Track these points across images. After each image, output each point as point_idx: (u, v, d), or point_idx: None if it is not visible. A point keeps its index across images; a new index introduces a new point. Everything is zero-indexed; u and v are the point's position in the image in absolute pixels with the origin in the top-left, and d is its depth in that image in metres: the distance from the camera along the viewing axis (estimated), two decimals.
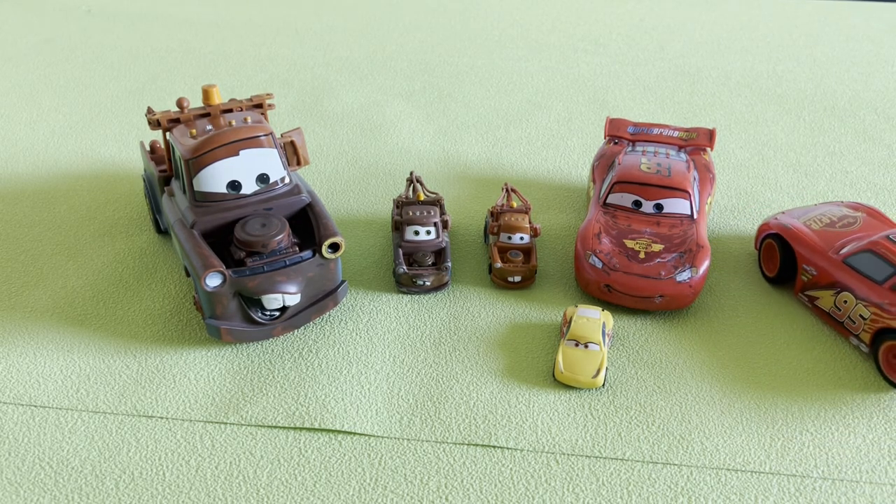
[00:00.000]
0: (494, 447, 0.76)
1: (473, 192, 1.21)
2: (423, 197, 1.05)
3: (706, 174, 1.08)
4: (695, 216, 0.99)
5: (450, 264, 0.96)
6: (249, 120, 0.89)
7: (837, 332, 0.90)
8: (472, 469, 0.73)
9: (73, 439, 0.76)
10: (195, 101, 1.56)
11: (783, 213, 1.02)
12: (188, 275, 0.90)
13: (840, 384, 0.83)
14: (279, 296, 0.83)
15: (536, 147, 1.37)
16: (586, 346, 0.84)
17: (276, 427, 0.78)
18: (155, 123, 0.90)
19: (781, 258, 0.96)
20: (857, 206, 1.01)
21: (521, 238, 1.00)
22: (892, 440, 0.76)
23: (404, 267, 0.95)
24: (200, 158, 0.85)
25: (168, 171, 0.96)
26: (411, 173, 1.10)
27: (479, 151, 1.35)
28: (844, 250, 0.90)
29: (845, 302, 0.88)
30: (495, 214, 1.04)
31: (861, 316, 0.86)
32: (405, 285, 0.96)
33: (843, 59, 1.84)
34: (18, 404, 0.80)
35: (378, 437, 0.77)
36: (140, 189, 1.20)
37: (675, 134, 1.16)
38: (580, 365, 0.82)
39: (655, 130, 1.17)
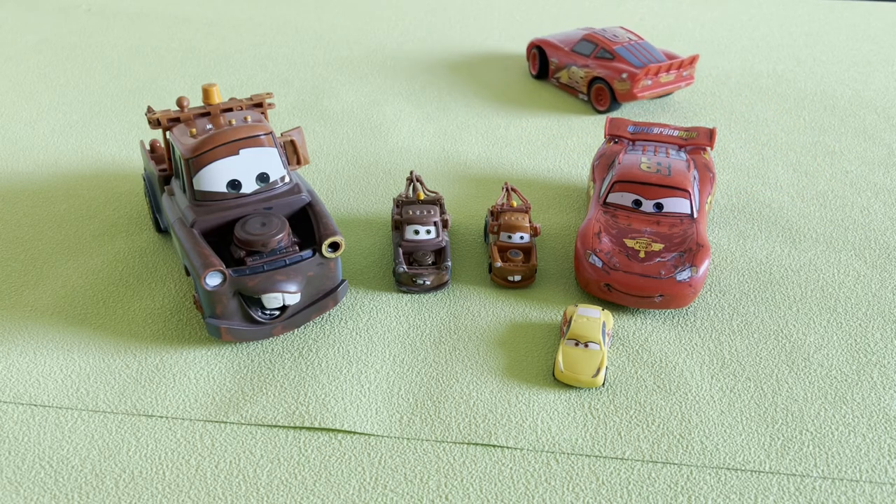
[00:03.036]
0: (494, 446, 0.76)
1: (473, 192, 1.21)
2: (423, 196, 1.05)
3: (706, 173, 1.08)
4: (695, 215, 0.99)
5: (450, 263, 0.97)
6: (249, 119, 0.89)
7: (570, 93, 1.56)
8: (472, 468, 0.73)
9: (74, 438, 0.76)
10: (195, 101, 1.56)
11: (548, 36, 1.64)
12: (188, 274, 0.90)
13: (840, 384, 0.83)
14: (279, 295, 0.83)
15: (536, 147, 1.37)
16: (586, 346, 0.84)
17: (276, 426, 0.78)
18: (155, 122, 0.90)
19: (539, 61, 1.63)
20: (589, 29, 1.63)
21: (521, 237, 1.00)
22: (892, 439, 0.76)
23: (404, 266, 0.95)
24: (200, 157, 0.85)
25: (168, 171, 0.96)
26: (411, 172, 1.10)
27: (479, 151, 1.35)
28: (570, 45, 1.56)
29: (574, 72, 1.52)
30: (495, 214, 1.04)
31: (580, 77, 1.50)
32: (405, 284, 0.96)
33: (843, 58, 1.84)
34: (18, 403, 0.80)
35: (378, 436, 0.77)
36: (140, 188, 1.20)
37: (676, 133, 1.16)
38: (580, 364, 0.82)
39: (655, 130, 1.17)
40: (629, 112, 1.51)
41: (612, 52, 1.46)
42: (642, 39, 1.52)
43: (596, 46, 1.49)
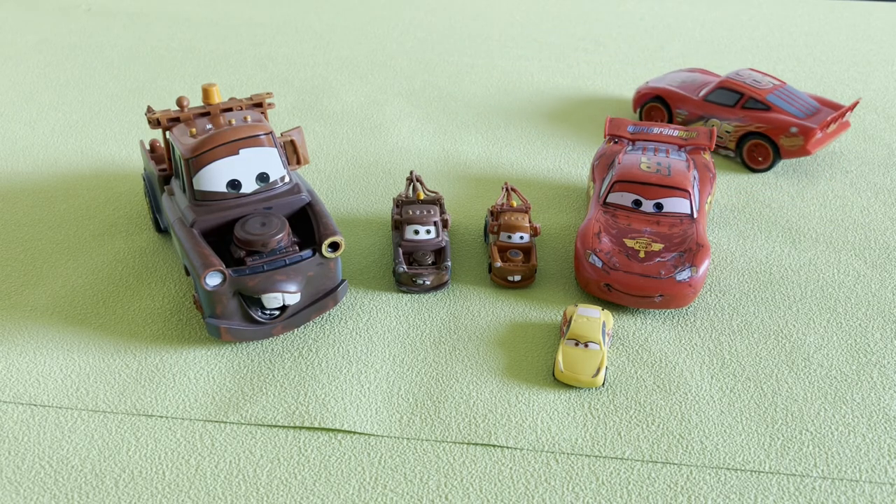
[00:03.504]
0: (494, 446, 0.76)
1: (473, 192, 1.21)
2: (422, 196, 1.05)
3: (706, 173, 1.08)
4: (695, 215, 0.99)
5: (450, 263, 0.96)
6: (249, 119, 0.89)
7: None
8: (472, 468, 0.73)
9: (73, 438, 0.76)
10: (195, 100, 1.56)
11: (648, 83, 1.44)
12: (188, 274, 0.90)
13: (840, 384, 0.83)
14: (279, 295, 0.83)
15: (536, 146, 1.37)
16: (586, 346, 0.84)
17: (275, 426, 0.78)
18: (155, 122, 0.90)
19: (664, 111, 1.40)
20: (698, 69, 1.51)
21: (521, 237, 1.00)
22: (892, 439, 0.76)
23: (404, 266, 0.95)
24: (200, 157, 0.85)
25: (168, 170, 0.96)
26: (411, 172, 1.10)
27: (479, 151, 1.35)
28: (702, 92, 1.36)
29: (713, 125, 1.31)
30: (495, 213, 1.04)
31: (726, 131, 1.30)
32: (405, 284, 0.96)
33: (843, 58, 1.84)
34: (18, 403, 0.80)
35: (378, 436, 0.77)
36: (140, 188, 1.20)
37: (675, 133, 1.16)
38: (580, 364, 0.82)
39: (655, 130, 1.17)
40: (628, 111, 1.51)
41: (764, 101, 1.27)
42: (785, 84, 1.34)
43: (741, 96, 1.28)
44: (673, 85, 1.41)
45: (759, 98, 1.28)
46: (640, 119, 1.39)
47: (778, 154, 1.25)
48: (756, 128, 1.26)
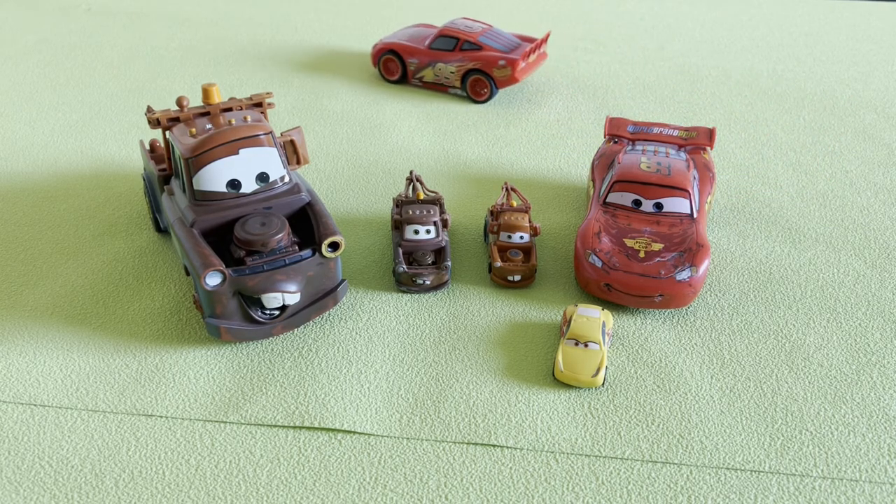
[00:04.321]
0: (494, 446, 0.76)
1: (473, 192, 1.21)
2: (422, 196, 1.05)
3: (706, 173, 1.08)
4: (695, 215, 0.99)
5: (449, 263, 0.96)
6: (249, 119, 0.89)
7: (437, 90, 1.57)
8: (472, 468, 0.73)
9: (73, 438, 0.76)
10: (195, 100, 1.56)
11: (382, 40, 1.60)
12: (188, 274, 0.90)
13: (840, 384, 0.83)
14: (279, 295, 0.83)
15: (536, 146, 1.37)
16: (586, 346, 0.84)
17: (275, 426, 0.78)
18: (154, 122, 0.90)
19: (398, 65, 1.59)
20: (422, 24, 1.69)
21: (521, 237, 1.00)
22: (892, 439, 0.76)
23: (404, 266, 0.95)
24: (200, 157, 0.85)
25: (168, 170, 0.96)
26: (411, 172, 1.10)
27: (479, 151, 1.35)
28: (426, 42, 1.55)
29: (440, 69, 1.53)
30: (495, 213, 1.04)
31: (451, 72, 1.52)
32: (405, 284, 0.96)
33: (843, 58, 1.84)
34: (18, 403, 0.80)
35: (378, 435, 0.77)
36: (140, 188, 1.20)
37: (675, 133, 1.16)
38: (580, 364, 0.82)
39: (655, 129, 1.17)
40: (628, 110, 1.51)
41: (477, 43, 1.50)
42: (492, 27, 1.57)
43: (458, 41, 1.51)
44: (402, 39, 1.60)
45: (472, 40, 1.51)
46: (380, 73, 1.63)
47: (494, 85, 1.50)
48: (473, 65, 1.50)
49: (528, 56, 1.51)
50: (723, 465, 0.74)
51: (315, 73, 1.71)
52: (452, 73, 1.52)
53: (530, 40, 1.58)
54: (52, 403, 0.80)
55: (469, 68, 1.50)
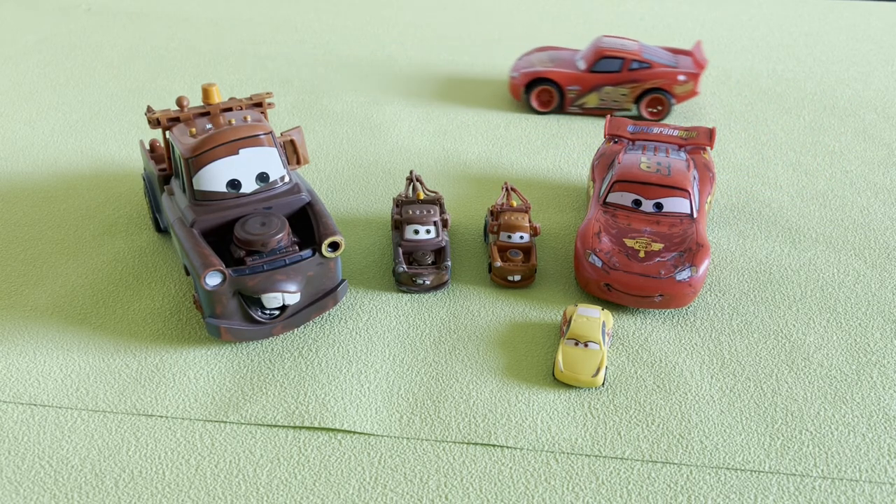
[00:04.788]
0: (494, 446, 0.76)
1: (473, 192, 1.21)
2: (422, 196, 1.05)
3: (706, 173, 1.08)
4: (695, 215, 0.99)
5: (449, 263, 0.96)
6: (249, 119, 0.89)
7: (601, 115, 1.47)
8: (472, 468, 0.73)
9: (73, 438, 0.76)
10: (195, 100, 1.56)
11: (521, 70, 1.48)
12: (188, 274, 0.90)
13: (840, 384, 0.83)
14: (279, 295, 0.83)
15: (536, 147, 1.37)
16: (586, 346, 0.84)
17: (275, 426, 0.78)
18: (155, 122, 0.90)
19: (554, 95, 1.47)
20: (544, 48, 1.60)
21: (521, 237, 1.00)
22: (892, 439, 0.76)
23: (404, 266, 0.95)
24: (200, 157, 0.85)
25: (168, 170, 0.96)
26: (411, 172, 1.10)
27: (479, 151, 1.35)
28: (583, 66, 1.45)
29: (608, 93, 1.43)
30: (495, 213, 1.04)
31: (622, 95, 1.43)
32: (405, 284, 0.96)
33: (843, 58, 1.84)
34: (18, 403, 0.80)
35: (378, 435, 0.77)
36: (140, 188, 1.20)
37: (675, 133, 1.16)
38: (580, 364, 0.82)
39: (655, 129, 1.17)
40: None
41: (646, 61, 1.42)
42: (638, 41, 1.52)
43: (624, 61, 1.42)
44: (549, 66, 1.48)
45: (640, 58, 1.43)
46: (528, 103, 1.48)
47: (672, 101, 1.44)
48: (651, 84, 1.42)
49: (704, 68, 1.46)
50: (723, 465, 0.74)
51: (315, 73, 1.71)
52: (624, 95, 1.43)
53: (678, 51, 1.53)
54: (52, 403, 0.80)
55: (646, 88, 1.42)
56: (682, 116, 1.50)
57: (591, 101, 1.46)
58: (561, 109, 1.48)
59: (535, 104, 1.48)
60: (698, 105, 1.56)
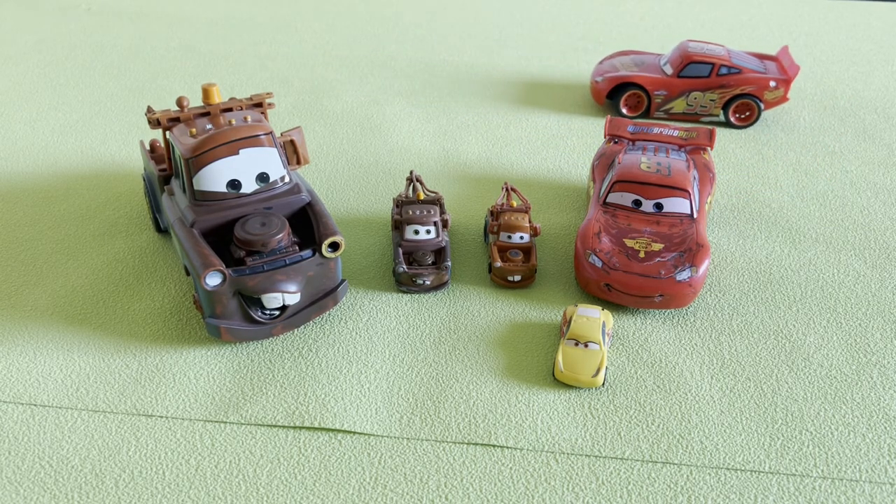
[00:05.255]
0: (494, 446, 0.76)
1: (473, 192, 1.21)
2: (422, 196, 1.05)
3: (706, 173, 1.08)
4: (695, 215, 0.99)
5: (449, 263, 0.96)
6: (249, 119, 0.89)
7: (692, 120, 1.47)
8: (472, 468, 0.73)
9: (73, 438, 0.76)
10: (195, 100, 1.56)
11: (606, 74, 1.47)
12: (188, 274, 0.90)
13: (840, 384, 0.83)
14: (279, 295, 0.83)
15: (536, 147, 1.37)
16: (586, 346, 0.84)
17: (275, 426, 0.78)
18: (155, 122, 0.90)
19: (643, 99, 1.46)
20: (623, 52, 1.60)
21: (521, 237, 1.00)
22: (892, 439, 0.76)
23: (404, 266, 0.95)
24: (200, 157, 0.85)
25: (168, 170, 0.96)
26: (411, 172, 1.10)
27: (479, 151, 1.35)
28: (670, 71, 1.43)
29: (695, 98, 1.42)
30: (495, 213, 1.04)
31: (710, 100, 1.42)
32: (405, 284, 0.96)
33: (843, 58, 1.84)
34: (18, 403, 0.80)
35: (378, 436, 0.77)
36: (140, 188, 1.20)
37: (675, 133, 1.16)
38: (580, 364, 0.82)
39: (655, 130, 1.17)
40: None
41: (734, 66, 1.41)
42: (722, 46, 1.49)
43: (713, 66, 1.40)
44: (635, 71, 1.47)
45: (729, 64, 1.41)
46: (615, 107, 1.47)
47: (760, 107, 1.42)
48: (742, 90, 1.40)
49: (795, 74, 1.44)
50: (723, 465, 0.74)
51: (315, 73, 1.71)
52: (713, 100, 1.42)
53: (765, 56, 1.52)
54: (52, 403, 0.80)
55: (735, 94, 1.41)
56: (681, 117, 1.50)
57: (679, 105, 1.45)
58: (647, 114, 1.48)
59: (623, 108, 1.47)
60: None
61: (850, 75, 1.73)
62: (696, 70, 1.42)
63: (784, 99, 1.42)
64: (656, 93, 1.44)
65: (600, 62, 1.56)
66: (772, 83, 1.40)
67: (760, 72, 1.42)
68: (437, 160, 1.31)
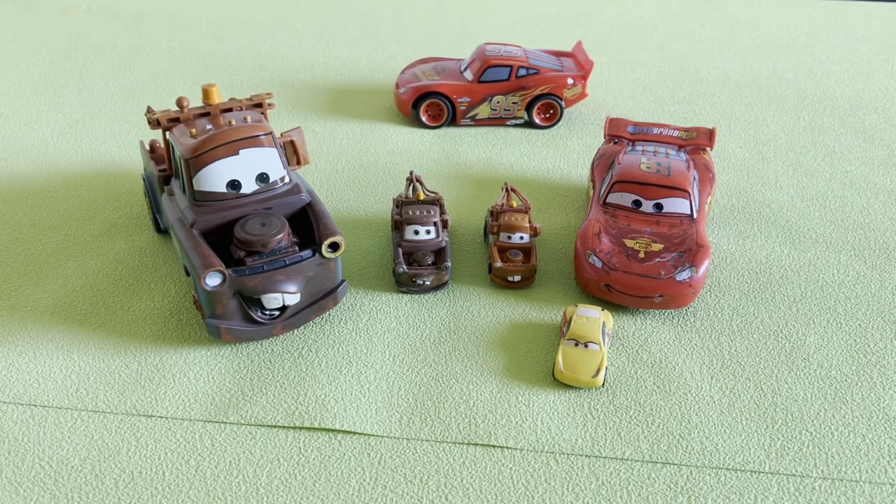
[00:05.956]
0: (494, 447, 0.76)
1: (473, 192, 1.21)
2: (422, 196, 1.05)
3: (706, 174, 1.08)
4: (695, 216, 0.99)
5: (449, 264, 0.96)
6: (249, 119, 0.89)
7: (492, 125, 1.44)
8: (472, 468, 0.73)
9: (73, 439, 0.76)
10: (195, 101, 1.56)
11: (409, 85, 1.42)
12: (188, 274, 0.90)
13: (840, 384, 0.83)
14: (279, 295, 0.83)
15: (536, 147, 1.37)
16: (586, 346, 0.84)
17: (275, 426, 0.78)
18: (155, 123, 0.90)
19: (442, 108, 1.41)
20: (422, 60, 1.54)
21: (521, 237, 1.00)
22: (892, 439, 0.76)
23: (404, 266, 0.95)
24: (200, 158, 0.85)
25: (168, 171, 0.96)
26: (411, 172, 1.10)
27: (479, 151, 1.35)
28: (470, 77, 1.40)
29: (498, 102, 1.40)
30: (495, 214, 1.04)
31: (513, 103, 1.40)
32: (405, 285, 0.96)
33: (843, 58, 1.84)
34: (18, 404, 0.80)
35: (378, 436, 0.77)
36: (140, 188, 1.20)
37: (675, 133, 1.16)
38: (580, 364, 0.82)
39: (655, 130, 1.17)
40: (628, 111, 1.51)
41: (534, 67, 1.39)
42: (521, 46, 1.48)
43: (511, 68, 1.38)
44: (436, 79, 1.42)
45: (527, 65, 1.40)
46: (417, 118, 1.42)
47: (562, 106, 1.42)
48: (542, 91, 1.39)
49: (590, 70, 1.44)
50: (723, 465, 0.74)
51: (315, 73, 1.71)
52: (515, 103, 1.40)
53: (560, 53, 1.51)
54: (52, 404, 0.80)
55: (536, 94, 1.39)
56: (681, 117, 1.50)
57: (483, 111, 1.42)
58: (452, 122, 1.44)
59: (424, 119, 1.42)
60: (698, 105, 1.56)
61: (850, 75, 1.73)
62: (495, 74, 1.39)
63: (583, 95, 1.42)
64: (459, 100, 1.40)
65: (402, 71, 1.51)
66: (569, 80, 1.39)
67: (558, 70, 1.41)
68: (437, 160, 1.31)
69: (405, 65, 1.76)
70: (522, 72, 1.39)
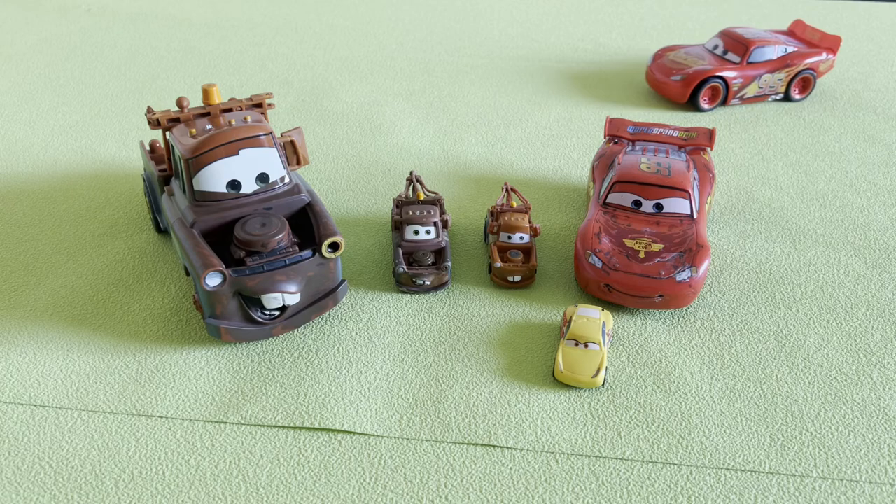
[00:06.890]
0: (494, 447, 0.76)
1: (473, 192, 1.21)
2: (422, 196, 1.05)
3: (706, 174, 1.08)
4: (695, 216, 0.99)
5: (449, 264, 0.96)
6: (249, 119, 0.89)
7: (755, 102, 1.56)
8: (472, 468, 0.73)
9: (73, 438, 0.76)
10: (195, 101, 1.56)
11: (685, 71, 1.53)
12: (188, 274, 0.90)
13: (840, 384, 0.83)
14: (279, 295, 0.83)
15: (536, 147, 1.37)
16: (586, 346, 0.84)
17: (275, 426, 0.78)
18: (155, 123, 0.90)
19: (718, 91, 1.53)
20: (670, 47, 1.66)
21: (521, 238, 1.00)
22: (892, 439, 0.76)
23: (404, 266, 0.95)
24: (200, 158, 0.85)
25: (168, 171, 0.96)
26: (411, 173, 1.10)
27: (479, 151, 1.35)
28: (734, 58, 1.53)
29: (765, 80, 1.52)
30: (495, 214, 1.04)
31: (778, 80, 1.53)
32: (405, 285, 0.96)
33: (842, 59, 1.84)
34: (18, 403, 0.80)
35: (378, 436, 0.77)
36: (140, 188, 1.20)
37: (675, 133, 1.16)
38: (580, 364, 0.82)
39: (655, 130, 1.17)
40: (628, 111, 1.51)
41: (792, 45, 1.54)
42: (751, 28, 1.61)
43: (776, 48, 1.52)
44: (709, 64, 1.53)
45: (782, 44, 1.54)
46: (696, 104, 1.53)
47: (815, 79, 1.55)
48: (803, 66, 1.53)
49: (840, 42, 1.57)
50: (723, 465, 0.74)
51: (315, 73, 1.71)
52: (780, 80, 1.52)
53: (777, 32, 1.64)
54: (52, 404, 0.80)
55: (798, 71, 1.52)
56: (682, 117, 1.50)
57: (751, 90, 1.53)
58: (724, 102, 1.54)
59: (703, 101, 1.52)
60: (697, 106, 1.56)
61: (850, 75, 1.73)
62: (761, 55, 1.52)
63: (831, 67, 1.57)
64: (734, 81, 1.51)
65: (657, 61, 1.60)
66: (823, 54, 1.54)
67: (812, 48, 1.55)
68: (437, 160, 1.31)
69: (405, 64, 1.77)
70: (786, 49, 1.53)
